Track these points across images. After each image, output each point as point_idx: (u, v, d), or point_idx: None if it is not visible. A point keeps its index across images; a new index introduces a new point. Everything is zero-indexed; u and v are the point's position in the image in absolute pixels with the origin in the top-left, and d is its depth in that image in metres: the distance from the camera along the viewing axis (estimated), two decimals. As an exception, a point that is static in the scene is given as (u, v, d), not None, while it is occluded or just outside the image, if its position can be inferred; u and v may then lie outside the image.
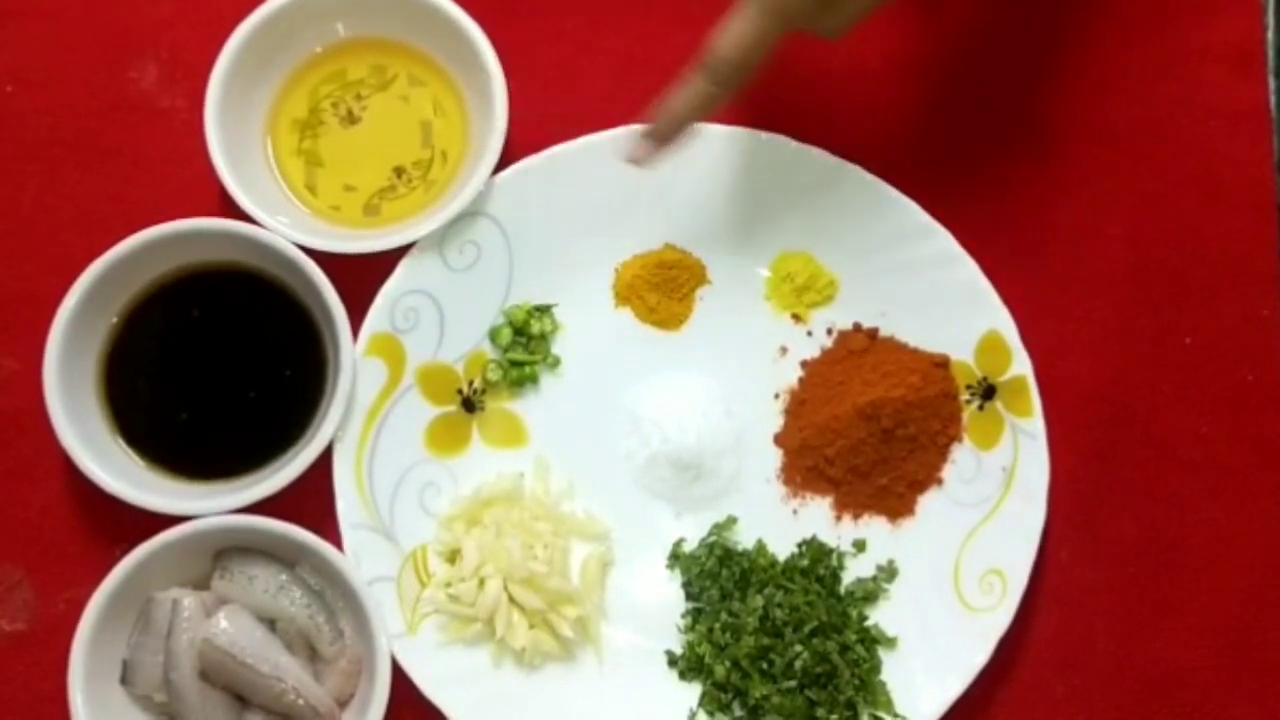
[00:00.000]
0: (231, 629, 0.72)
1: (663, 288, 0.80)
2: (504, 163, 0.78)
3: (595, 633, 0.76)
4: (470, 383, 0.79)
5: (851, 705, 0.74)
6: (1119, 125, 0.83)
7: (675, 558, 0.78)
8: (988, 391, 0.78)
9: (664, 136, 0.73)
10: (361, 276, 0.77)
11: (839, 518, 0.79)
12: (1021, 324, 0.78)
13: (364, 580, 0.74)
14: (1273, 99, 0.84)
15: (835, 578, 0.77)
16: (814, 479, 0.79)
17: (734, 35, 0.68)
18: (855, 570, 0.78)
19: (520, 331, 0.79)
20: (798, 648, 0.74)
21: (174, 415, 0.77)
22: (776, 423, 0.80)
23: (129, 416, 0.77)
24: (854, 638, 0.75)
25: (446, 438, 0.78)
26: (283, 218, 0.77)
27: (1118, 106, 0.84)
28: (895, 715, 0.74)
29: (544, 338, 0.79)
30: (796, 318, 0.81)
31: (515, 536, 0.76)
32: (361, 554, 0.75)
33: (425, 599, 0.75)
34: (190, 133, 0.77)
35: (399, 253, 0.77)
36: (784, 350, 0.81)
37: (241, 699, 0.73)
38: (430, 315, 0.78)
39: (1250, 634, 0.78)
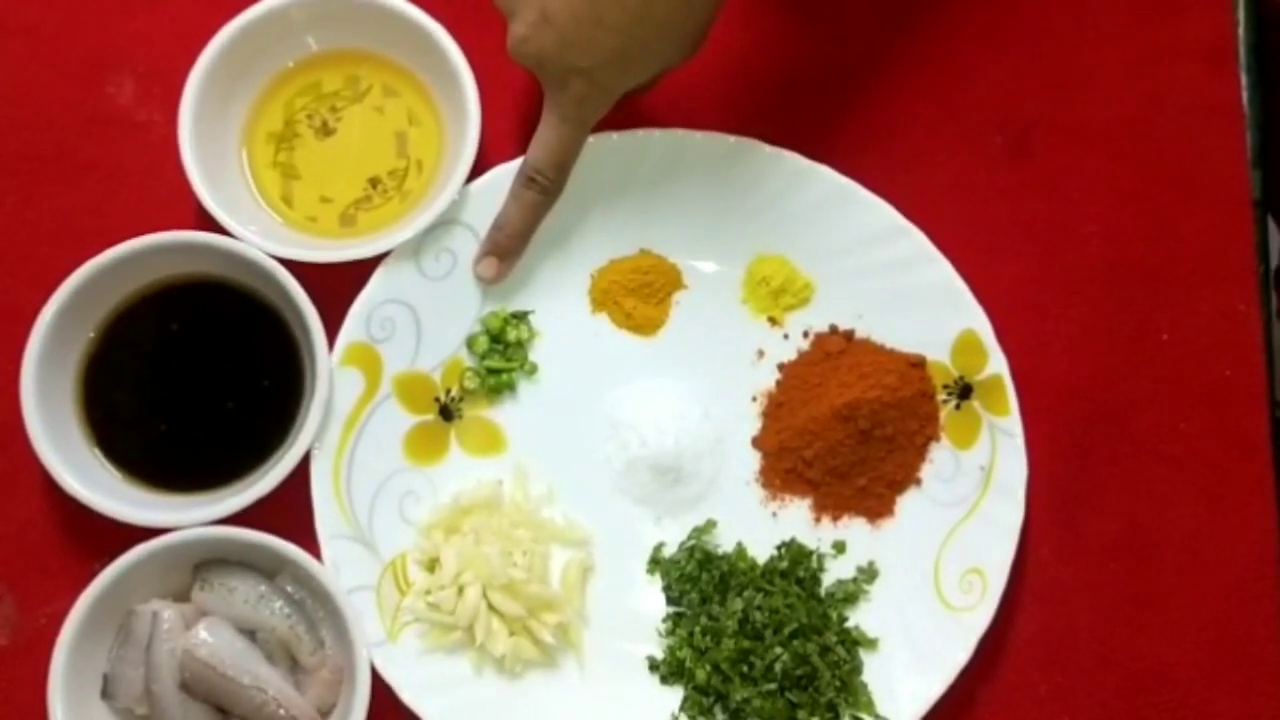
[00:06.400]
0: (212, 640, 0.72)
1: (639, 293, 0.81)
2: (478, 171, 0.78)
3: (576, 638, 0.76)
4: (448, 391, 0.79)
5: (833, 707, 0.74)
6: (1093, 123, 0.84)
7: (655, 562, 0.78)
8: (964, 391, 0.78)
9: (507, 251, 0.78)
10: (338, 287, 0.77)
11: (818, 519, 0.79)
12: (997, 323, 0.78)
13: (344, 589, 0.74)
14: (1245, 94, 0.84)
15: (815, 579, 0.77)
16: (793, 481, 0.79)
17: (545, 145, 0.75)
18: (835, 572, 0.78)
19: (497, 339, 0.79)
20: (778, 650, 0.74)
21: (152, 427, 0.77)
22: (755, 425, 0.80)
23: (108, 429, 0.77)
24: (835, 639, 0.75)
25: (425, 446, 0.78)
26: (258, 229, 0.77)
27: (1091, 104, 0.84)
28: (877, 716, 0.74)
29: (521, 345, 0.80)
30: (773, 321, 0.81)
31: (494, 543, 0.76)
32: (341, 563, 0.75)
33: (405, 607, 0.75)
34: (167, 146, 0.78)
35: (375, 262, 0.77)
36: (761, 353, 0.81)
37: (223, 710, 0.73)
38: (407, 324, 0.78)
39: (1232, 628, 0.78)
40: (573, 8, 0.69)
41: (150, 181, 0.82)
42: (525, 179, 0.76)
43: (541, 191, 0.76)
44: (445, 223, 0.78)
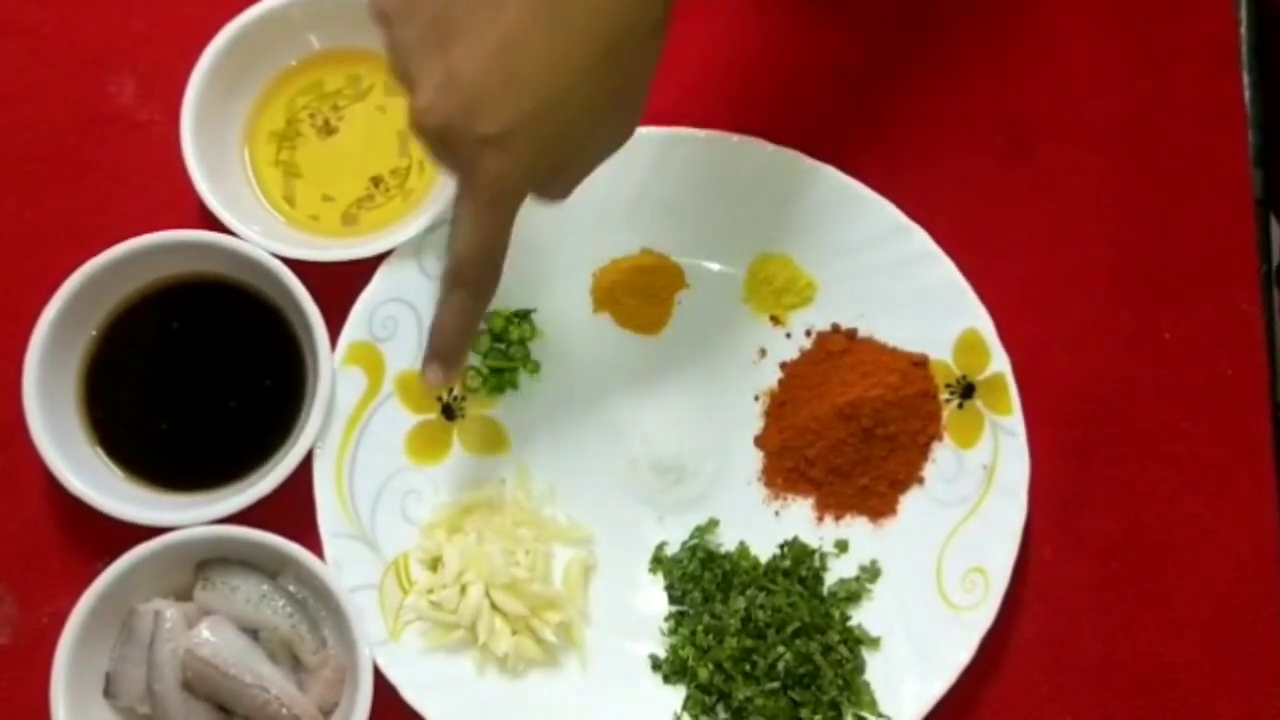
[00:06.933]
0: (214, 639, 0.72)
1: (641, 292, 0.81)
2: (480, 170, 0.78)
3: (579, 637, 0.76)
4: (450, 390, 0.79)
5: (835, 706, 0.74)
6: (1094, 123, 0.84)
7: (658, 561, 0.78)
8: (967, 390, 0.78)
9: (450, 356, 0.69)
10: (340, 286, 0.77)
11: (821, 518, 0.79)
12: (1000, 322, 0.78)
13: (346, 588, 0.73)
14: (1247, 94, 0.84)
15: (817, 578, 0.77)
16: (795, 480, 0.79)
17: (465, 241, 0.64)
18: (838, 571, 0.78)
19: (499, 338, 0.79)
20: (781, 649, 0.74)
21: (154, 426, 0.77)
22: (757, 425, 0.80)
23: (110, 428, 0.77)
24: (837, 638, 0.75)
25: (427, 445, 0.78)
26: (261, 228, 0.77)
27: (1091, 104, 0.84)
28: (879, 715, 0.74)
29: (523, 344, 0.79)
30: (775, 320, 0.81)
31: (497, 542, 0.76)
32: (343, 562, 0.75)
33: (407, 606, 0.75)
34: (168, 146, 0.78)
35: (377, 261, 0.77)
36: (763, 352, 0.81)
37: (225, 710, 0.73)
38: (409, 323, 0.78)
39: (1235, 628, 0.78)
40: (481, 60, 0.59)
41: (152, 181, 0.82)
42: (451, 278, 0.66)
43: (471, 292, 0.67)
44: (448, 222, 0.78)
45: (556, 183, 0.66)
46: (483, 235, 0.64)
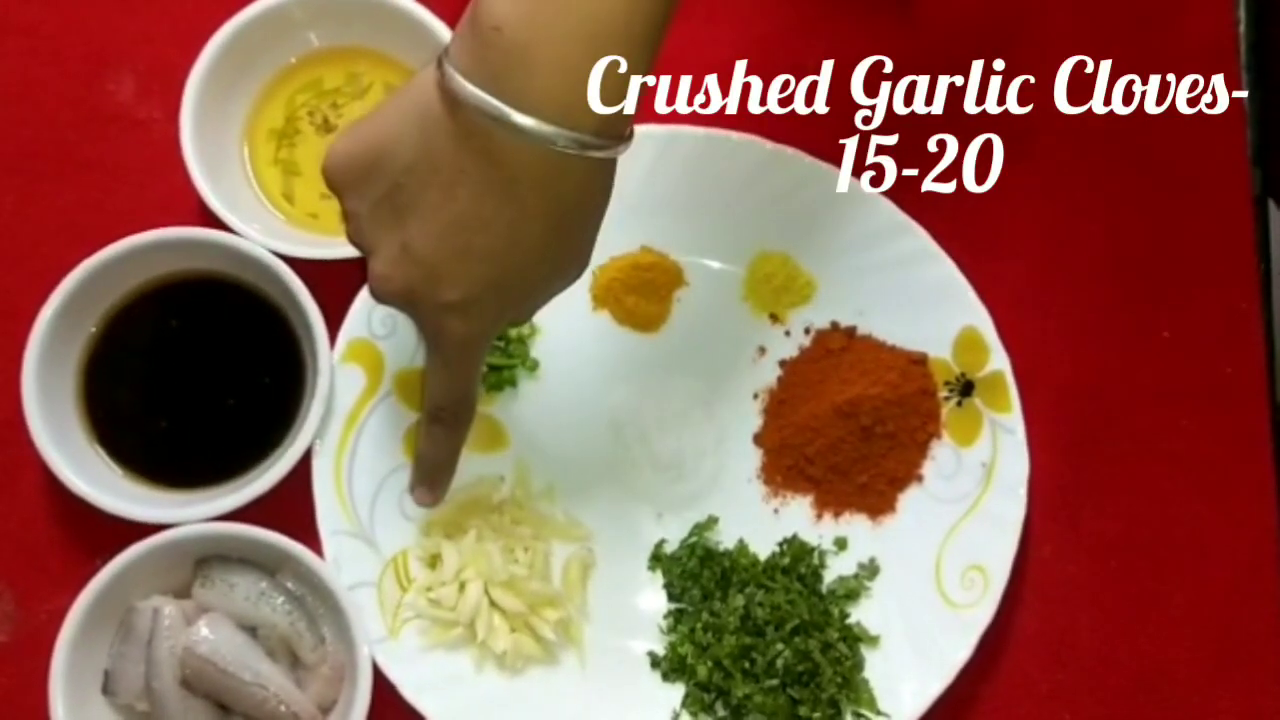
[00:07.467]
0: (213, 637, 0.72)
1: (640, 290, 0.81)
2: (480, 168, 0.78)
3: (577, 635, 0.76)
4: (449, 388, 0.79)
5: (834, 703, 0.74)
6: (1094, 123, 0.84)
7: (657, 559, 0.78)
8: (966, 388, 0.78)
9: (435, 481, 0.74)
10: (340, 284, 0.77)
11: (820, 516, 0.79)
12: (999, 320, 0.78)
13: (345, 586, 0.73)
14: (1247, 93, 0.84)
15: (816, 576, 0.77)
16: (794, 478, 0.79)
17: (439, 387, 0.69)
18: (837, 568, 0.78)
19: (498, 335, 0.79)
20: (779, 646, 0.74)
21: (153, 424, 0.77)
22: (756, 423, 0.80)
23: (108, 426, 0.77)
24: (836, 636, 0.75)
25: (426, 443, 0.78)
26: (260, 226, 0.77)
27: (1093, 104, 0.84)
28: (878, 713, 0.74)
29: (522, 341, 0.80)
30: (774, 318, 0.81)
31: (495, 540, 0.76)
32: (342, 560, 0.75)
33: (406, 604, 0.75)
34: (168, 143, 0.78)
35: (376, 259, 0.77)
36: (762, 350, 0.81)
37: (224, 707, 0.73)
38: (408, 321, 0.76)
39: (1233, 626, 0.78)
40: (437, 238, 0.61)
41: (151, 179, 0.82)
42: (430, 416, 0.71)
43: (449, 426, 0.71)
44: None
45: (516, 322, 0.69)
46: (454, 383, 0.68)
